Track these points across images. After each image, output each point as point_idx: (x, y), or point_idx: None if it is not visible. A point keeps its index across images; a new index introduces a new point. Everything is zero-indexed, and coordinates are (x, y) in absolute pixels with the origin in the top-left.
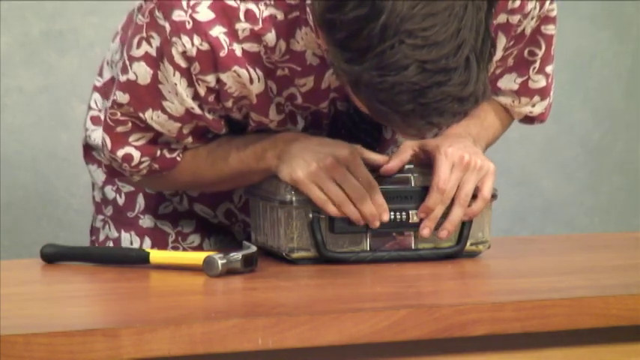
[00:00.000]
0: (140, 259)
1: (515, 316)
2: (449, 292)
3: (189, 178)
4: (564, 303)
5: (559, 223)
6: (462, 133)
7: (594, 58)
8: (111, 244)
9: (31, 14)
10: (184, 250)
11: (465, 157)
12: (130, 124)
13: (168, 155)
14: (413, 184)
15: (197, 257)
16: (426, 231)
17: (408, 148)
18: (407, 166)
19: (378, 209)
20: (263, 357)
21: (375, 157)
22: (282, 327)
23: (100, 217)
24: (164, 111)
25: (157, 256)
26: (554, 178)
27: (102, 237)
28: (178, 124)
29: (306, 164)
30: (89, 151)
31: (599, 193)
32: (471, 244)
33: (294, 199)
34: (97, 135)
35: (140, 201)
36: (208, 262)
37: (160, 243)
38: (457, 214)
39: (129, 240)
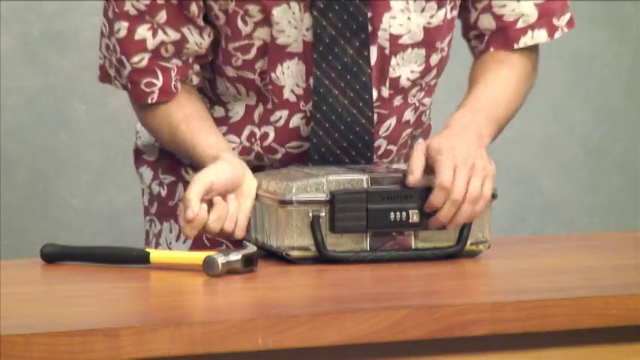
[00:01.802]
0: (140, 259)
1: (515, 316)
2: (449, 292)
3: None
4: (564, 303)
5: (559, 223)
6: (467, 125)
7: (594, 58)
8: (154, 239)
9: (31, 14)
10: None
11: (468, 159)
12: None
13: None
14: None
15: (197, 257)
16: (434, 224)
17: (420, 152)
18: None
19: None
20: (263, 357)
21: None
22: (282, 327)
23: (148, 218)
24: None
25: (157, 256)
26: (554, 177)
27: (151, 236)
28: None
29: None
30: (140, 154)
31: (599, 193)
32: (471, 244)
33: (294, 199)
34: (143, 133)
35: (180, 190)
36: (208, 262)
37: None
38: (466, 210)
39: (169, 229)
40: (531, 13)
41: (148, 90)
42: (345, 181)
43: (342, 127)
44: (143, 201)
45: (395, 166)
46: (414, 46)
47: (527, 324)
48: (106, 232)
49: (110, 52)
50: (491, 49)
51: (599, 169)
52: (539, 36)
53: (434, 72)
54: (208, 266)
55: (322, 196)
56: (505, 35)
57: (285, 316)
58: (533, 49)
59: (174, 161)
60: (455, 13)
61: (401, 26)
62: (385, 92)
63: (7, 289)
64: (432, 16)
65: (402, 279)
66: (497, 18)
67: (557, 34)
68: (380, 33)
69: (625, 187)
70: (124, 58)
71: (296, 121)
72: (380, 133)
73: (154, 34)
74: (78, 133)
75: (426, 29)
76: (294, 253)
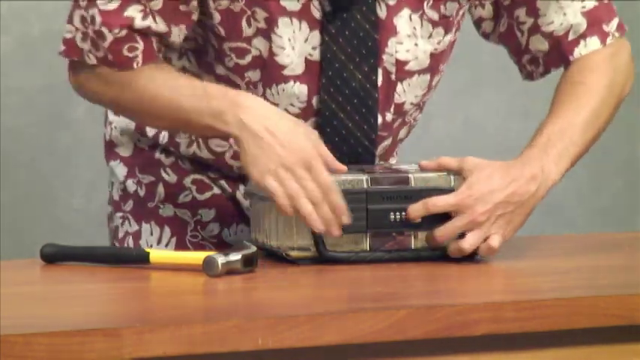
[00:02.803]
0: (140, 259)
1: (515, 316)
2: (449, 292)
3: (135, 97)
4: (564, 303)
5: (559, 223)
6: (533, 157)
7: None
8: (130, 238)
9: (31, 14)
10: (203, 239)
11: (480, 216)
12: None
13: (127, 54)
14: (413, 184)
15: (197, 257)
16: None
17: (455, 160)
18: (408, 167)
19: (335, 212)
20: (263, 357)
21: (337, 166)
22: (282, 327)
23: (119, 214)
24: None
25: (156, 256)
26: None
27: (121, 234)
28: None
29: (273, 169)
30: (112, 147)
31: (599, 193)
32: None
33: None
34: (119, 123)
35: (160, 191)
36: (208, 262)
37: (180, 232)
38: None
39: (149, 231)
40: (580, 22)
41: (131, 55)
42: (345, 181)
43: (345, 148)
44: (112, 195)
45: (394, 166)
46: (420, 72)
47: (527, 324)
48: (106, 232)
49: (87, 24)
50: (552, 70)
51: (600, 170)
52: (592, 43)
53: (432, 91)
54: (208, 266)
55: None
56: (559, 51)
57: (285, 316)
58: (612, 56)
59: (152, 160)
60: (458, 34)
61: (408, 52)
62: (389, 117)
63: (7, 289)
64: (439, 42)
65: (402, 279)
66: (548, 36)
67: (609, 40)
68: (385, 57)
69: (625, 187)
70: (104, 30)
71: None
72: (377, 153)
73: (144, 17)
74: (78, 133)
75: (432, 55)
76: (294, 253)
